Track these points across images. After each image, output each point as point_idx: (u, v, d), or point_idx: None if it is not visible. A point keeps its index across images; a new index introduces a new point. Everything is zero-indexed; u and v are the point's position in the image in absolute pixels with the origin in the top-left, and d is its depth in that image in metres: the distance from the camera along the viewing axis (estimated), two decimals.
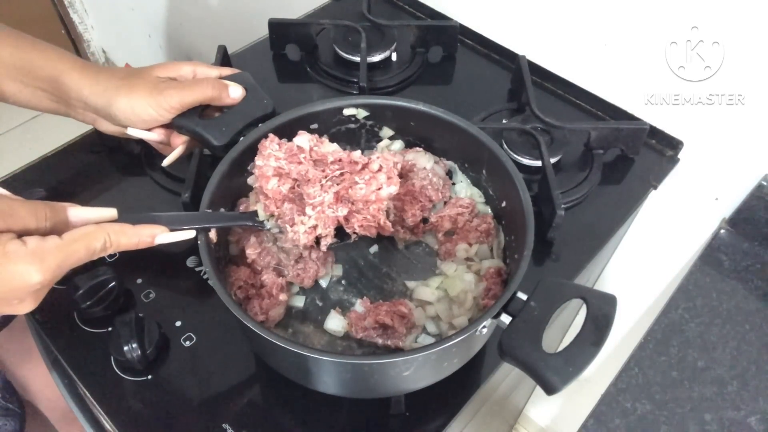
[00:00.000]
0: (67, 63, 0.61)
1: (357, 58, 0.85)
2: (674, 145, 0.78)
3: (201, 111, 0.61)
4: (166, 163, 0.64)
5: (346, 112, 0.65)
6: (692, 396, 0.63)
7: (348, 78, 0.85)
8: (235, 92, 0.62)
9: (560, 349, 0.46)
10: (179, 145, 0.63)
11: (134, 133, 0.62)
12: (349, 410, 0.57)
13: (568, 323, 0.99)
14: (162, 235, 0.51)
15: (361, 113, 0.65)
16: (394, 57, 0.89)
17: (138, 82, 0.60)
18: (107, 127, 0.63)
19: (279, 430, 0.56)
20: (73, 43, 2.19)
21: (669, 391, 0.63)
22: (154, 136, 0.63)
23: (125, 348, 0.56)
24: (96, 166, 0.74)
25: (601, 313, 0.48)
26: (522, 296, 0.49)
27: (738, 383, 0.63)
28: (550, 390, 0.45)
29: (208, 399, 0.57)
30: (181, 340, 0.60)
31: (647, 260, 0.94)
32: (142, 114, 0.59)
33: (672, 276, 0.91)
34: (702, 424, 0.61)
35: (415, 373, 0.50)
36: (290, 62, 0.89)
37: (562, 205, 0.65)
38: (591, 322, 0.47)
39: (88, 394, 0.58)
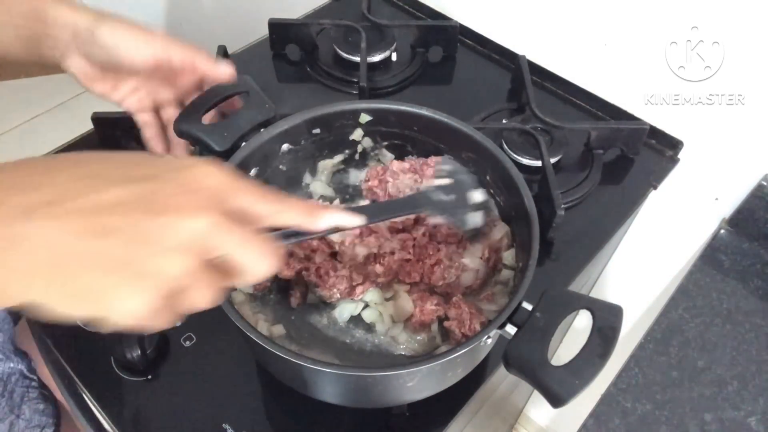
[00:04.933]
0: None
1: (357, 58, 0.84)
2: (674, 145, 0.78)
3: (202, 115, 0.61)
4: None
5: (356, 134, 0.65)
6: (692, 396, 0.63)
7: (348, 78, 0.85)
8: (226, 69, 0.60)
9: (559, 351, 0.46)
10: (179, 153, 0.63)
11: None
12: (350, 410, 0.57)
13: (567, 326, 0.99)
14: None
15: (364, 118, 0.65)
16: (394, 57, 0.89)
17: (129, 20, 0.58)
18: (75, 63, 0.59)
19: (279, 429, 0.56)
20: None
21: (669, 391, 0.63)
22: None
23: (125, 348, 0.56)
24: None
25: (608, 325, 0.47)
26: (527, 306, 0.48)
27: (738, 383, 0.63)
28: (556, 403, 0.45)
29: (208, 399, 0.57)
30: (181, 340, 0.60)
31: (647, 260, 0.94)
32: (124, 42, 0.57)
33: (672, 276, 0.91)
34: (702, 424, 0.61)
35: (419, 383, 0.49)
36: (290, 62, 0.89)
37: (562, 205, 0.65)
38: (597, 334, 0.47)
39: (88, 394, 0.58)
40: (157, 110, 0.66)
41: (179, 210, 0.33)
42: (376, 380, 0.49)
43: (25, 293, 0.31)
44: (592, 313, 0.48)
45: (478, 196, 0.54)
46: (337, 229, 0.44)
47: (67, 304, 0.31)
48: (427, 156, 0.66)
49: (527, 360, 0.46)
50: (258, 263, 0.35)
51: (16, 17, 0.57)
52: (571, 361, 0.46)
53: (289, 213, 0.40)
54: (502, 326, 0.48)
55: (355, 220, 0.45)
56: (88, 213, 0.31)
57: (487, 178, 0.63)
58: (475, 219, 0.54)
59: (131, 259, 0.31)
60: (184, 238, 0.32)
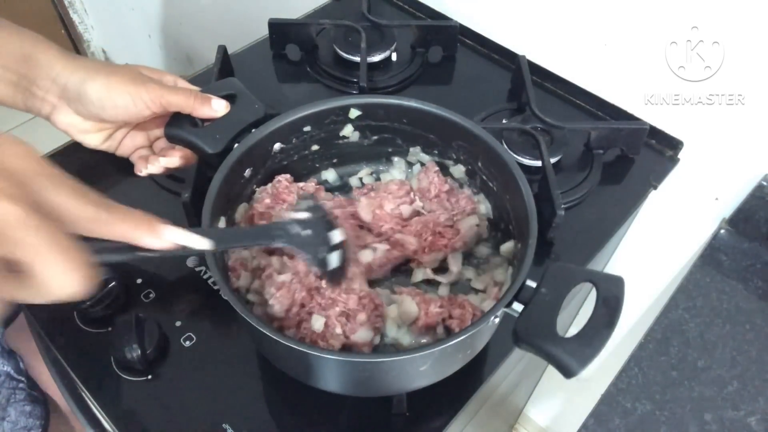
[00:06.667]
0: (43, 43, 0.57)
1: (357, 58, 0.85)
2: (674, 145, 0.78)
3: (192, 120, 0.60)
4: (146, 172, 0.62)
5: (346, 130, 0.66)
6: (692, 396, 0.63)
7: (348, 78, 0.85)
8: (218, 105, 0.59)
9: (572, 332, 0.46)
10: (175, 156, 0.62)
11: (166, 162, 0.61)
12: (350, 410, 0.57)
13: (578, 307, 0.99)
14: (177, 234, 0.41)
15: (354, 113, 0.65)
16: (394, 57, 0.89)
17: (120, 69, 0.57)
18: (64, 118, 0.58)
19: (279, 430, 0.56)
20: (73, 43, 2.19)
21: (669, 391, 0.63)
22: (175, 163, 0.62)
23: (125, 348, 0.56)
24: (96, 166, 0.74)
25: (611, 295, 0.48)
26: (531, 284, 0.49)
27: (738, 383, 0.63)
28: (568, 373, 0.46)
29: (208, 399, 0.57)
30: (181, 340, 0.60)
31: (647, 260, 0.94)
32: (117, 99, 0.56)
33: (672, 276, 0.91)
34: (702, 424, 0.61)
35: (431, 367, 0.50)
36: (290, 62, 0.89)
37: (562, 205, 0.65)
38: (602, 305, 0.48)
39: (88, 394, 0.58)
40: (151, 144, 0.66)
41: None
42: (390, 365, 0.49)
43: None
44: (596, 285, 0.49)
45: (337, 236, 0.52)
46: (180, 250, 0.40)
47: None
48: (415, 144, 0.68)
49: (537, 334, 0.47)
50: (59, 278, 0.29)
51: (5, 59, 0.56)
52: (579, 332, 0.47)
53: (116, 223, 0.34)
54: (509, 305, 0.49)
55: (202, 243, 0.41)
56: None
57: (479, 164, 0.64)
58: (334, 260, 0.52)
59: None
60: None
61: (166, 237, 0.38)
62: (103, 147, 0.63)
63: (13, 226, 0.27)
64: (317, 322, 0.55)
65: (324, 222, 0.52)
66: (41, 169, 0.30)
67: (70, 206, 0.31)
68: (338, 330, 0.55)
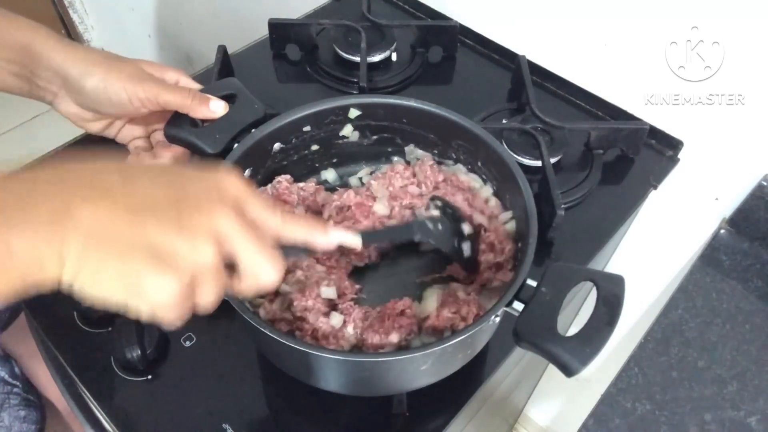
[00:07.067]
0: (42, 32, 0.57)
1: (357, 58, 0.85)
2: (674, 145, 0.78)
3: (192, 119, 0.60)
4: None
5: (346, 130, 0.66)
6: (692, 396, 0.63)
7: (348, 78, 0.85)
8: (217, 106, 0.59)
9: (573, 331, 0.47)
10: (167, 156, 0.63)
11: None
12: (349, 410, 0.57)
13: (575, 311, 0.99)
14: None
15: (353, 113, 0.65)
16: (394, 57, 0.89)
17: (119, 65, 0.57)
18: (66, 107, 0.60)
19: (279, 430, 0.56)
20: None
21: (669, 391, 0.63)
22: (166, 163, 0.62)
23: (125, 348, 0.56)
24: None
25: (611, 294, 0.48)
26: (532, 283, 0.49)
27: (738, 383, 0.63)
28: (569, 372, 0.46)
29: (208, 399, 0.57)
30: (181, 340, 0.60)
31: (647, 260, 0.94)
32: (113, 96, 0.56)
33: (672, 276, 0.91)
34: (702, 424, 0.61)
35: (431, 367, 0.50)
36: (290, 62, 0.89)
37: (562, 205, 0.65)
38: (602, 303, 0.48)
39: (88, 394, 0.58)
40: (148, 135, 0.67)
41: (210, 208, 0.37)
42: (389, 365, 0.49)
43: (62, 271, 0.33)
44: (596, 284, 0.50)
45: (466, 228, 0.59)
46: (340, 248, 0.46)
47: (100, 287, 0.34)
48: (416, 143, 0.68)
49: (537, 333, 0.47)
50: (263, 270, 0.39)
51: (7, 50, 0.57)
52: (580, 331, 0.47)
53: (298, 227, 0.43)
54: (509, 304, 0.49)
55: (357, 240, 0.47)
56: (135, 204, 0.35)
57: (479, 164, 0.64)
58: (466, 249, 0.58)
59: (165, 245, 0.34)
60: (213, 230, 0.36)
61: (330, 237, 0.45)
62: (104, 133, 0.65)
63: (236, 232, 0.37)
64: (334, 319, 0.55)
65: (453, 216, 0.59)
66: (247, 192, 0.40)
67: (267, 218, 0.40)
68: (350, 330, 0.55)
